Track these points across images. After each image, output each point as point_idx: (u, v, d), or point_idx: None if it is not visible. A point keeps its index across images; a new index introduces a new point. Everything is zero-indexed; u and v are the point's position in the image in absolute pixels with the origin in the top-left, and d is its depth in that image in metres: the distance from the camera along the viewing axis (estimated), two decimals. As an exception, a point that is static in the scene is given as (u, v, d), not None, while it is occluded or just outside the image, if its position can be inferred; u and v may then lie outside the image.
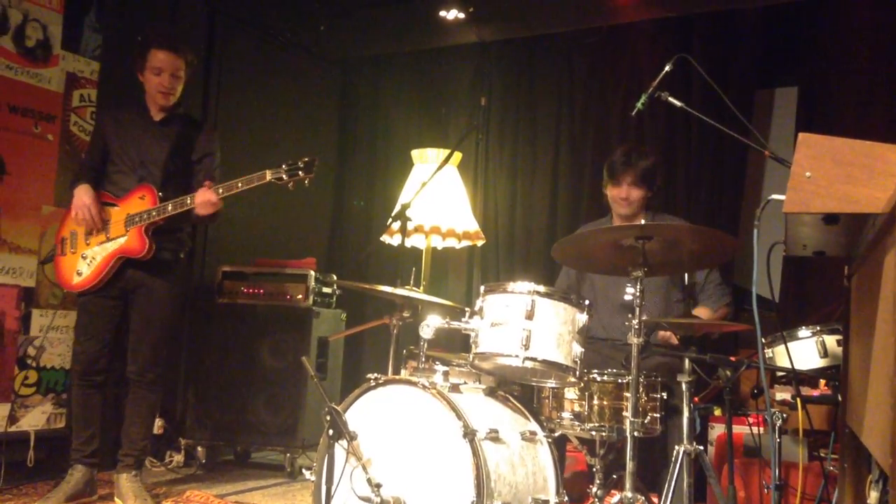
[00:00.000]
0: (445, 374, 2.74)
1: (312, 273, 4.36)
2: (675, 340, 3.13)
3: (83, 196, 3.31)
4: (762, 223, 1.99)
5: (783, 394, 3.13)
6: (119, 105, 3.74)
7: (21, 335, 3.81)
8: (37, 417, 3.84)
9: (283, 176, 3.18)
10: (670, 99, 2.85)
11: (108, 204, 3.37)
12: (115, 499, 3.35)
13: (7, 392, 3.73)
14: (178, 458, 4.30)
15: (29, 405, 3.81)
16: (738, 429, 3.27)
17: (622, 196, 3.38)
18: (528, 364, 2.57)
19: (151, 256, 3.30)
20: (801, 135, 1.44)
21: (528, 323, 2.58)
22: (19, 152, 3.77)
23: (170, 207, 3.26)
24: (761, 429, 3.09)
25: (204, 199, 3.25)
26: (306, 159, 3.18)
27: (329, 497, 2.45)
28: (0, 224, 3.72)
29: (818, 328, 2.77)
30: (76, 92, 4.03)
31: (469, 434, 2.43)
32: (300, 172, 3.17)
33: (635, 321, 2.51)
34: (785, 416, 2.74)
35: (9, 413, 3.71)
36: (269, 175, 3.20)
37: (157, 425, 4.21)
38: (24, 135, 3.81)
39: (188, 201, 3.26)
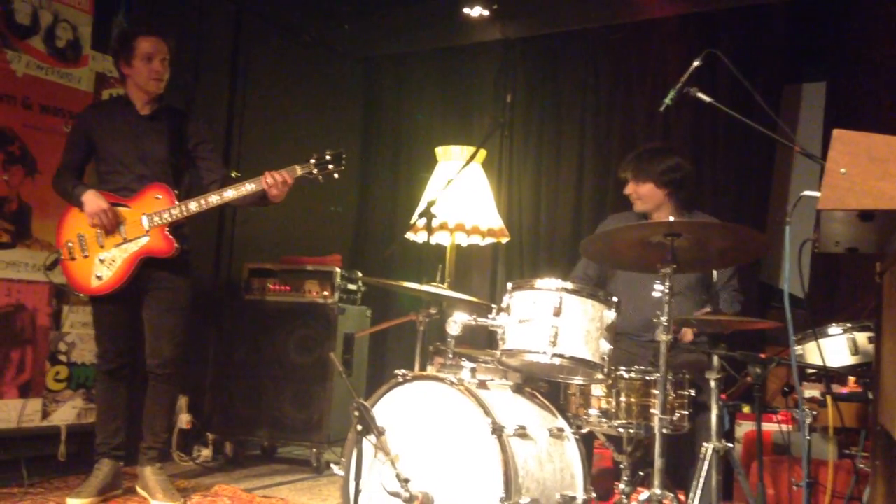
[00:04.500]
0: (473, 370, 2.74)
1: (338, 270, 4.39)
2: (689, 337, 3.11)
3: (97, 201, 3.24)
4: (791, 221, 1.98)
5: (812, 391, 3.11)
6: (100, 103, 3.72)
7: (52, 331, 3.86)
8: (67, 412, 3.89)
9: (313, 170, 3.17)
10: (699, 94, 2.83)
11: (114, 205, 3.29)
12: (140, 491, 3.39)
13: (39, 387, 3.79)
14: (206, 452, 4.34)
15: (60, 400, 3.87)
16: (765, 426, 3.26)
17: (628, 192, 3.47)
18: (556, 361, 2.57)
19: (177, 255, 3.30)
20: (835, 131, 1.42)
21: (555, 320, 2.58)
22: (50, 151, 3.82)
23: (193, 206, 3.24)
24: (789, 426, 3.07)
25: (274, 182, 3.20)
26: (334, 151, 3.16)
27: (357, 492, 2.47)
28: (32, 222, 3.78)
29: (849, 325, 2.74)
30: (105, 91, 4.07)
31: (497, 430, 2.44)
32: (329, 165, 3.16)
33: (664, 318, 2.50)
34: (814, 413, 2.72)
35: (41, 408, 3.77)
36: (298, 170, 3.19)
37: (185, 420, 4.26)
38: (54, 134, 3.86)
39: (210, 200, 3.25)
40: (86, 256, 3.32)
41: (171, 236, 3.28)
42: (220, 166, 3.51)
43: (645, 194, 3.42)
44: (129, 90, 3.42)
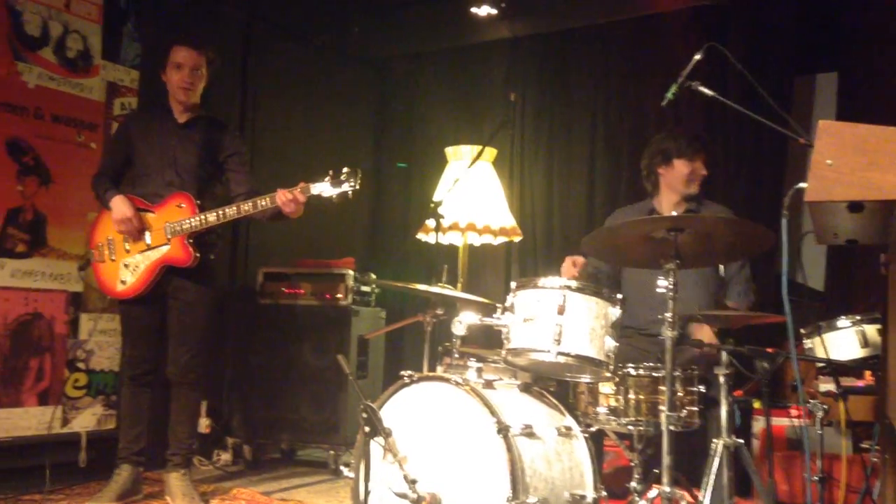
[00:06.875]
0: (479, 370, 2.74)
1: (351, 272, 4.41)
2: (712, 338, 3.07)
3: (123, 209, 3.30)
4: (804, 212, 1.96)
5: (827, 385, 3.06)
6: (143, 108, 3.78)
7: (70, 339, 3.92)
8: (87, 419, 3.95)
9: (328, 187, 3.12)
10: (701, 88, 2.80)
11: (142, 210, 3.35)
12: (166, 497, 3.42)
13: (58, 395, 3.84)
14: (226, 456, 4.38)
15: (79, 407, 3.92)
16: (781, 421, 3.22)
17: (703, 172, 3.32)
18: (561, 359, 2.56)
19: (196, 265, 3.33)
20: (821, 122, 1.41)
21: (559, 318, 2.56)
22: (64, 161, 3.88)
23: (212, 218, 3.25)
24: (804, 420, 3.03)
25: (287, 200, 3.19)
26: (349, 169, 3.09)
27: (367, 494, 2.47)
28: (47, 231, 3.83)
29: (858, 318, 2.70)
30: (117, 100, 4.12)
31: (503, 430, 2.43)
32: (344, 184, 3.10)
33: (668, 314, 2.48)
34: (826, 407, 2.69)
35: (60, 415, 3.82)
36: (311, 188, 3.16)
37: (205, 424, 4.29)
38: (67, 143, 3.91)
39: (228, 212, 3.25)
40: (113, 260, 3.40)
41: (189, 246, 3.30)
42: (247, 180, 3.50)
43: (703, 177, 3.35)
44: (169, 97, 3.48)
